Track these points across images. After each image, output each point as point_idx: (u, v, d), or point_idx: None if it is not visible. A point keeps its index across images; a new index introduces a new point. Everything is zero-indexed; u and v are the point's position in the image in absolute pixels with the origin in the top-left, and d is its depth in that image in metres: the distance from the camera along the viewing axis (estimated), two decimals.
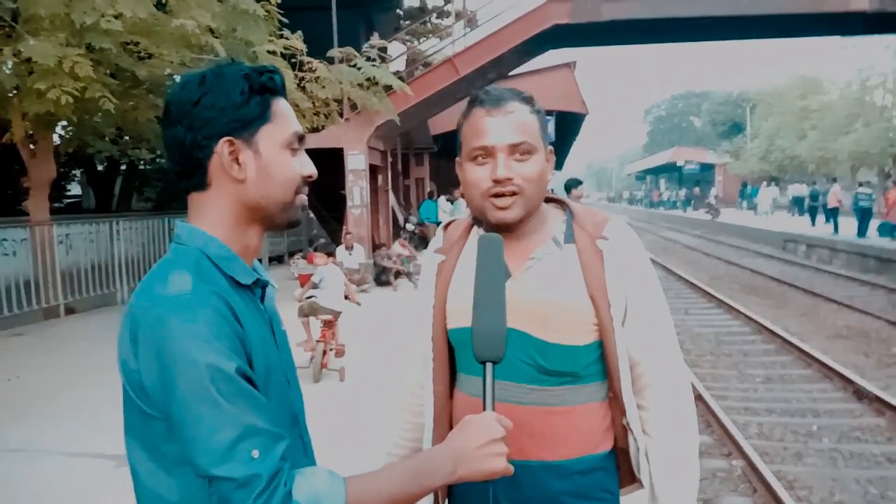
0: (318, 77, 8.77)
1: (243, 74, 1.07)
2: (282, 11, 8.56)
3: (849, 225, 19.86)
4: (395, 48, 14.76)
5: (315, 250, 6.31)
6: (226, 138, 1.05)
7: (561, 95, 18.14)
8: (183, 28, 6.75)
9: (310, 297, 6.14)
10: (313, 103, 8.89)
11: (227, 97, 1.05)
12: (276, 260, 16.65)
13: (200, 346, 0.93)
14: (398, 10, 17.58)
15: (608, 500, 1.39)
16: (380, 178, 14.52)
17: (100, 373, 6.38)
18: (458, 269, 1.46)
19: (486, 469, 1.04)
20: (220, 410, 0.92)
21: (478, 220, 1.48)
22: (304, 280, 11.08)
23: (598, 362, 1.38)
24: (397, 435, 1.61)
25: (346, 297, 6.22)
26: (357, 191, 13.11)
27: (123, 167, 17.56)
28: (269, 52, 8.18)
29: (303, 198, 1.14)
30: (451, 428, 1.44)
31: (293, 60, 8.85)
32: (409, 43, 13.78)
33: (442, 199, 16.92)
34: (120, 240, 10.52)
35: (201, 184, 1.08)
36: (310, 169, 1.14)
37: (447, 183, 20.19)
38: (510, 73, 15.54)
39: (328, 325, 5.95)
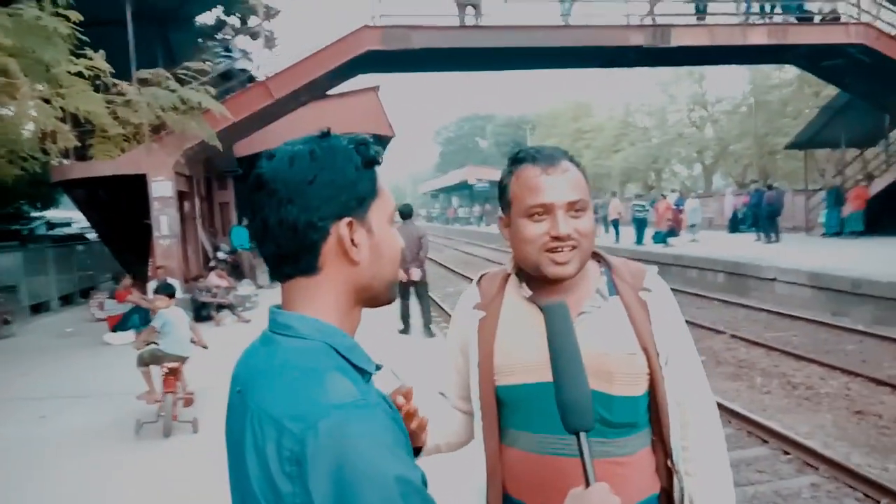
0: (128, 101, 8.10)
1: (354, 148, 1.01)
2: (80, 29, 7.81)
3: (628, 234, 22.14)
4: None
5: (155, 292, 5.79)
6: (346, 219, 0.98)
7: (368, 118, 18.33)
8: None
9: (150, 343, 5.63)
10: (124, 128, 8.19)
11: (343, 174, 0.99)
12: (64, 299, 14.99)
13: (386, 457, 0.85)
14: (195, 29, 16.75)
15: None
16: (186, 205, 13.66)
17: None
18: (500, 325, 1.47)
19: None
20: None
21: (519, 273, 1.51)
22: (112, 322, 10.11)
23: (648, 409, 1.45)
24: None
25: (193, 341, 5.78)
26: (165, 220, 12.20)
27: None
28: (71, 73, 7.43)
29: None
30: (503, 482, 1.46)
31: (97, 82, 8.11)
32: (209, 63, 13.17)
33: None
34: None
35: (311, 268, 0.99)
36: (401, 240, 1.10)
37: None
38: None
39: (174, 372, 5.49)
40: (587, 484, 1.09)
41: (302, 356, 0.94)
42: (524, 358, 1.42)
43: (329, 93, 15.87)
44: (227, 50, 13.45)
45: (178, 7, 13.87)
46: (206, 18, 17.85)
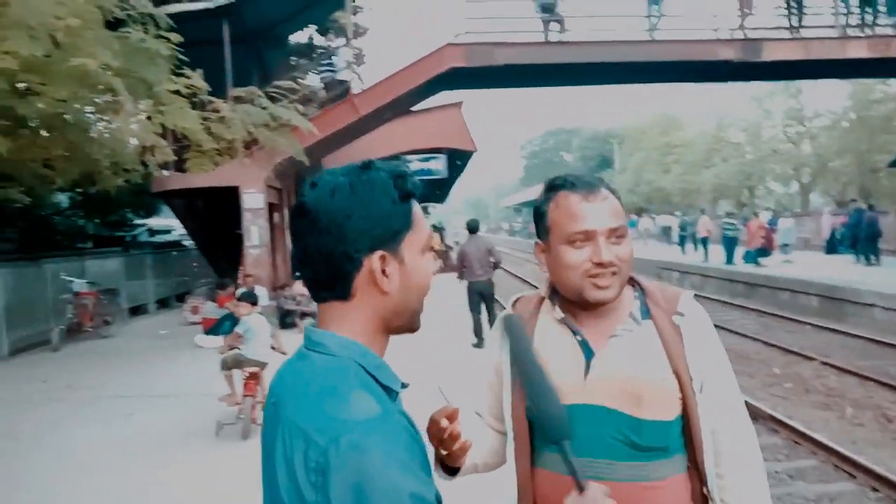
0: (222, 117, 8.55)
1: (392, 182, 1.05)
2: (180, 49, 8.31)
3: (717, 252, 21.43)
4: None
5: (238, 299, 6.08)
6: (379, 252, 1.02)
7: (451, 133, 18.57)
8: (83, 67, 6.42)
9: (233, 348, 5.91)
10: (217, 143, 8.65)
11: (379, 208, 1.03)
12: (160, 303, 15.85)
13: (402, 474, 0.89)
14: (289, 48, 17.47)
15: None
16: (276, 216, 14.21)
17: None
18: (535, 346, 1.50)
19: None
20: None
21: (553, 296, 1.54)
22: (207, 324, 10.63)
23: (682, 435, 1.45)
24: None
25: (273, 348, 6.03)
26: (255, 230, 12.75)
27: None
28: (170, 91, 7.92)
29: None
30: (534, 500, 1.49)
31: (194, 100, 8.61)
32: (300, 81, 13.71)
33: None
34: None
35: (344, 294, 1.04)
36: (435, 267, 1.13)
37: None
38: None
39: (254, 377, 5.74)
40: (580, 489, 1.12)
41: (331, 372, 0.99)
42: (556, 379, 1.44)
43: (413, 108, 16.18)
44: (331, 60, 13.82)
45: (272, 27, 14.50)
46: (298, 37, 18.63)
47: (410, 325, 1.10)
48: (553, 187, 1.48)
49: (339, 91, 13.55)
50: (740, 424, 1.48)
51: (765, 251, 19.47)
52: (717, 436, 1.45)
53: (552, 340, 1.49)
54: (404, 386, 1.07)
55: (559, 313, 1.51)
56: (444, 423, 1.27)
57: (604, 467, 1.40)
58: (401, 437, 0.93)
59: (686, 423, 1.43)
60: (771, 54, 13.11)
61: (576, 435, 1.40)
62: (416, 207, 1.08)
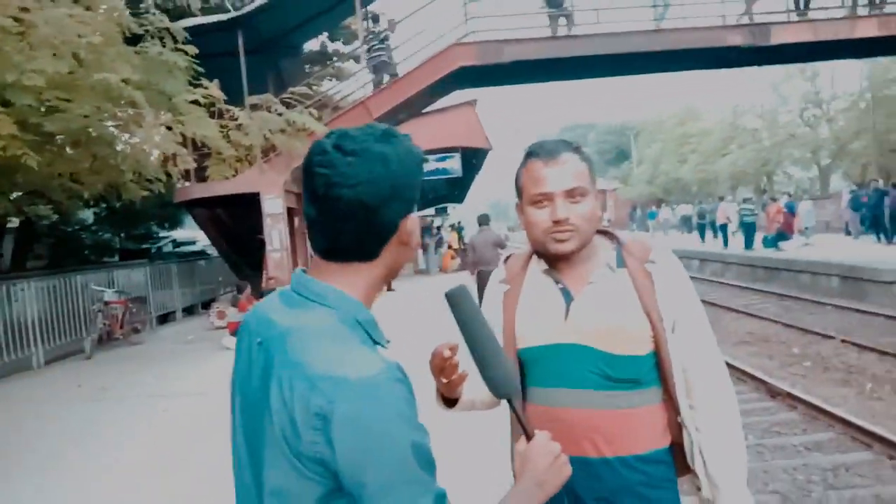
0: (240, 125, 8.82)
1: (417, 149, 1.13)
2: (196, 61, 8.59)
3: (736, 239, 21.37)
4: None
5: (260, 297, 6.31)
6: (411, 215, 1.12)
7: (465, 132, 18.77)
8: (106, 82, 6.70)
9: None
10: (236, 150, 8.92)
11: (414, 175, 1.11)
12: (187, 310, 16.20)
13: (402, 425, 0.98)
14: (302, 56, 17.77)
15: (670, 488, 1.63)
16: (296, 220, 14.50)
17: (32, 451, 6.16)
18: (522, 296, 1.69)
19: (562, 480, 1.22)
20: (420, 481, 0.99)
21: (537, 252, 1.72)
22: (232, 327, 10.92)
23: (655, 369, 1.61)
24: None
25: None
26: (276, 234, 13.05)
27: (12, 224, 16.67)
28: (189, 101, 8.20)
29: None
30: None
31: (212, 109, 8.88)
32: (314, 87, 13.96)
33: None
34: (19, 301, 10.01)
35: (373, 255, 1.11)
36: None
37: None
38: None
39: None
40: (528, 438, 1.24)
41: (335, 326, 1.06)
42: (540, 323, 1.63)
43: (427, 109, 16.37)
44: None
45: (285, 36, 14.79)
46: (312, 45, 18.92)
47: (397, 274, 1.21)
48: (526, 155, 1.66)
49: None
50: (711, 361, 1.63)
51: (784, 235, 19.41)
52: (688, 372, 1.61)
53: (538, 289, 1.68)
54: (388, 342, 1.17)
55: (543, 265, 1.69)
56: (447, 352, 1.43)
57: (585, 396, 1.58)
58: (400, 392, 1.01)
59: (659, 359, 1.60)
60: (779, 38, 13.12)
61: (557, 371, 1.60)
62: None
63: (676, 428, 1.64)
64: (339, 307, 1.07)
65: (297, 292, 1.12)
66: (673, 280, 1.62)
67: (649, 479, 1.59)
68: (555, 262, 1.66)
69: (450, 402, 1.66)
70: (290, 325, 1.07)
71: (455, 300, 1.26)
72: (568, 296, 1.62)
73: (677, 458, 1.66)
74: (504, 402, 1.30)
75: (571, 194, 1.58)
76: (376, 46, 13.80)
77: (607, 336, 1.57)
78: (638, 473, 1.58)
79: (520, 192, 1.67)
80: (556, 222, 1.57)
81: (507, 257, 1.83)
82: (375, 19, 14.05)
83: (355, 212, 1.06)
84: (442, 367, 1.46)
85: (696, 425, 1.62)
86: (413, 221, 1.13)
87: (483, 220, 10.92)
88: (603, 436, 1.57)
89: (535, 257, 1.73)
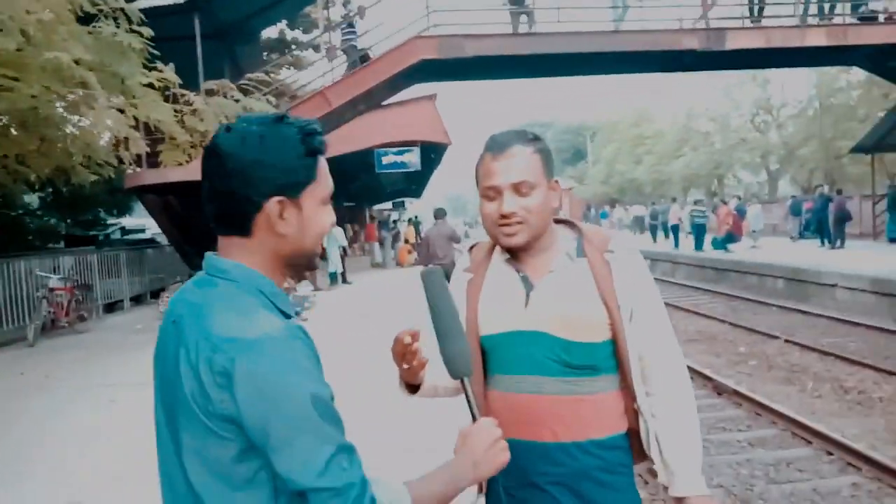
0: (195, 110, 8.62)
1: (300, 137, 1.15)
2: (151, 44, 8.37)
3: (687, 240, 21.86)
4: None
5: None
6: (277, 198, 1.13)
7: (425, 126, 18.71)
8: (57, 61, 6.47)
9: None
10: (191, 136, 8.71)
11: (284, 159, 1.13)
12: (135, 300, 15.82)
13: (301, 378, 1.04)
14: (260, 42, 17.49)
15: (626, 474, 1.66)
16: None
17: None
18: (485, 284, 1.71)
19: (498, 464, 1.26)
20: (320, 432, 1.03)
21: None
22: None
23: (612, 357, 1.64)
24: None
25: None
26: None
27: None
28: (143, 84, 7.98)
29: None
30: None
31: (167, 93, 8.67)
32: (272, 75, 13.75)
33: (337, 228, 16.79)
34: None
35: (245, 231, 1.15)
36: (332, 218, 1.24)
37: None
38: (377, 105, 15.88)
39: None
40: (473, 419, 1.28)
41: (235, 295, 1.12)
42: (501, 310, 1.65)
43: (387, 102, 16.29)
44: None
45: (243, 22, 14.54)
46: (270, 33, 18.63)
47: (307, 265, 1.24)
48: (484, 147, 1.67)
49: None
50: (667, 349, 1.68)
51: (733, 237, 19.91)
52: (644, 359, 1.65)
53: (500, 278, 1.70)
54: (297, 313, 1.23)
55: (506, 255, 1.71)
56: (408, 339, 1.43)
57: (543, 382, 1.60)
58: (300, 348, 1.06)
59: (616, 347, 1.63)
60: (733, 43, 13.43)
61: (519, 357, 1.61)
62: (322, 163, 1.20)
63: (633, 415, 1.67)
64: (239, 279, 1.13)
65: (207, 272, 1.18)
66: (631, 270, 1.65)
67: (606, 463, 1.62)
68: (516, 251, 1.68)
69: (412, 388, 1.67)
70: (198, 300, 1.13)
71: (427, 278, 1.35)
72: (528, 284, 1.65)
73: (634, 444, 1.69)
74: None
75: (518, 188, 1.59)
76: (346, 30, 13.73)
77: (565, 323, 1.60)
78: (594, 458, 1.61)
79: (477, 183, 1.68)
80: (503, 216, 1.59)
81: (472, 246, 1.84)
82: (346, 2, 13.97)
83: (214, 181, 1.14)
84: (403, 352, 1.47)
85: (653, 412, 1.66)
86: (288, 209, 1.14)
87: (438, 214, 11.04)
88: (560, 421, 1.59)
89: (498, 247, 1.75)
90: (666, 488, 1.69)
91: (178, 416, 1.10)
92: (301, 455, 1.03)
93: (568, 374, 1.60)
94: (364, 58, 13.53)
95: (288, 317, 1.14)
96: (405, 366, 1.51)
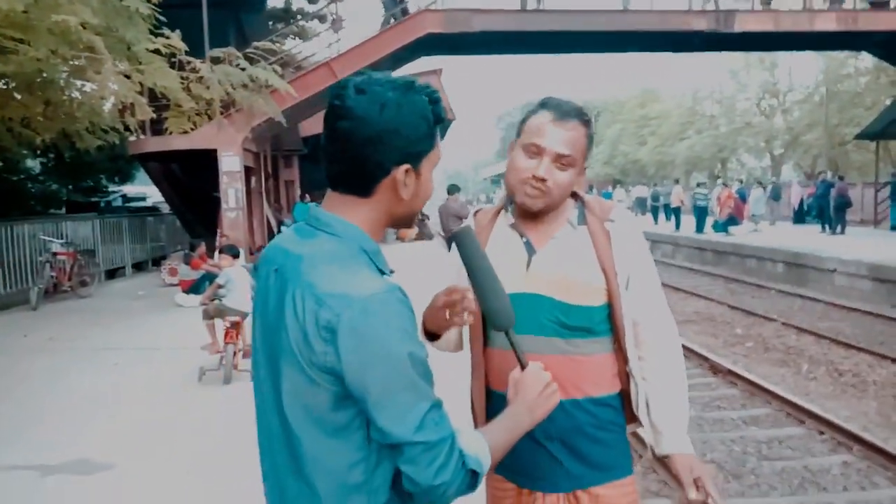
0: (201, 77, 8.59)
1: (431, 108, 1.19)
2: (158, 10, 8.31)
3: (688, 222, 21.87)
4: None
5: (220, 252, 6.25)
6: (405, 166, 1.18)
7: None
8: (65, 24, 6.44)
9: (215, 299, 6.11)
10: (196, 103, 8.69)
11: (417, 129, 1.17)
12: (137, 266, 15.88)
13: (401, 338, 1.09)
14: (266, 12, 17.36)
15: (618, 432, 1.74)
16: (253, 179, 14.28)
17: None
18: (488, 247, 1.73)
19: (550, 406, 1.35)
20: (417, 389, 1.10)
21: (507, 204, 1.78)
22: (185, 285, 10.76)
23: (607, 321, 1.71)
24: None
25: (253, 298, 6.21)
26: (232, 193, 12.84)
27: None
28: (150, 50, 7.94)
29: None
30: (486, 375, 1.77)
31: (173, 60, 8.62)
32: (278, 44, 13.67)
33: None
34: None
35: (366, 193, 1.19)
36: (433, 185, 1.29)
37: (315, 185, 20.16)
38: None
39: (235, 326, 5.94)
40: (522, 366, 1.37)
41: (341, 252, 1.16)
42: (503, 273, 1.68)
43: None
44: None
45: None
46: (276, 2, 18.49)
47: (409, 223, 1.32)
48: (542, 103, 1.70)
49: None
50: (660, 316, 1.75)
51: (734, 220, 19.92)
52: (637, 325, 1.72)
53: (503, 241, 1.75)
54: (392, 271, 1.27)
55: (510, 219, 1.76)
56: (470, 295, 1.45)
57: (541, 343, 1.66)
58: (400, 308, 1.11)
59: (611, 311, 1.70)
60: (742, 25, 13.36)
61: (517, 317, 1.66)
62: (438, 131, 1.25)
63: (626, 377, 1.75)
64: (343, 235, 1.18)
65: (308, 223, 1.22)
66: (629, 239, 1.71)
67: (599, 421, 1.70)
68: (521, 217, 1.73)
69: (432, 337, 1.71)
70: (302, 252, 1.17)
71: (461, 239, 1.41)
72: (531, 249, 1.70)
73: (626, 406, 1.77)
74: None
75: (561, 159, 1.63)
76: None
77: (564, 287, 1.66)
78: (588, 415, 1.68)
79: (519, 131, 1.71)
80: (535, 177, 1.63)
81: (477, 211, 1.89)
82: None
83: (347, 144, 1.16)
84: (453, 302, 1.48)
85: (643, 375, 1.73)
86: (410, 176, 1.19)
87: (451, 190, 11.08)
88: (557, 379, 1.63)
89: (503, 212, 1.80)
90: (654, 452, 1.77)
91: (281, 363, 1.15)
92: (399, 411, 1.08)
93: (565, 336, 1.67)
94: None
95: (385, 275, 1.18)
96: (447, 315, 1.51)
